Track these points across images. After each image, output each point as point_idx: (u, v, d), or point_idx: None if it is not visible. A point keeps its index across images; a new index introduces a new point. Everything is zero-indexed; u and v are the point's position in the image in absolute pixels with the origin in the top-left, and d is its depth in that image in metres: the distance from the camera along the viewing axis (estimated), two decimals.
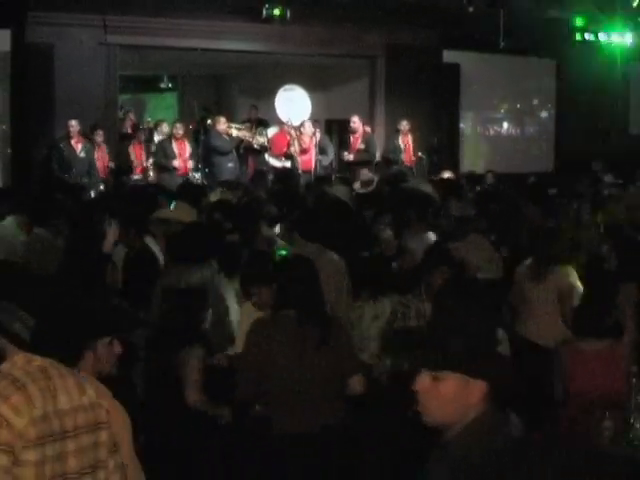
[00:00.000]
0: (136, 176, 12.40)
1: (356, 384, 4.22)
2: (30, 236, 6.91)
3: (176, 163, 12.44)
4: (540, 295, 5.83)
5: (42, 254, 6.33)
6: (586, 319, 4.55)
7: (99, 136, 12.16)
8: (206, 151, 12.96)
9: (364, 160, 13.39)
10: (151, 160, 12.66)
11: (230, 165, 12.62)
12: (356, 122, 13.78)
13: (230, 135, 13.01)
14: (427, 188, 9.55)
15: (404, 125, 13.97)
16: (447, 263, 4.99)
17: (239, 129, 13.40)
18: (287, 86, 14.19)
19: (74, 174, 11.58)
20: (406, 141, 14.06)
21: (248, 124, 14.09)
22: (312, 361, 4.09)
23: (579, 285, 5.74)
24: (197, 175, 12.64)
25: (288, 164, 13.27)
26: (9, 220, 7.23)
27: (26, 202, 7.63)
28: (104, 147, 12.30)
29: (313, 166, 13.15)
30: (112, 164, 12.38)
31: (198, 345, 4.55)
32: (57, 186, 9.62)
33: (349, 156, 13.54)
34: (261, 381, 4.16)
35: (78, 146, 11.89)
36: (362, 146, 13.65)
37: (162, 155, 12.58)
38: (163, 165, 12.49)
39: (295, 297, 4.17)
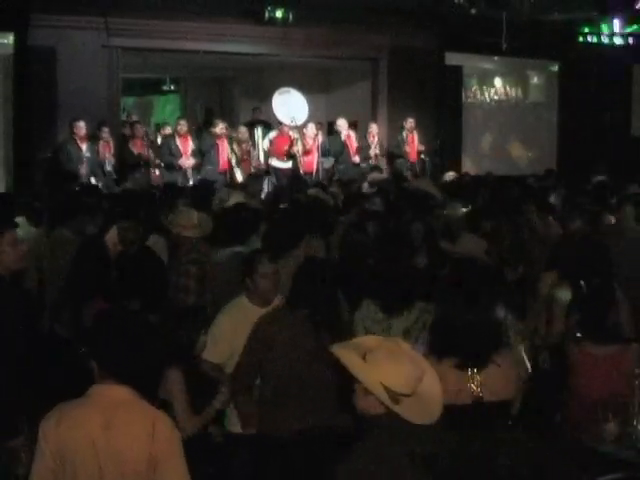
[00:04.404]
0: (137, 174, 12.38)
1: None
2: (52, 236, 6.95)
3: (182, 161, 12.50)
4: (532, 304, 5.73)
5: (64, 253, 6.36)
6: (595, 324, 4.51)
7: (105, 133, 12.13)
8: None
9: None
10: (156, 159, 12.70)
11: (209, 167, 12.64)
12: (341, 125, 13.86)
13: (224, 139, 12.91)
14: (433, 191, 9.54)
15: (410, 122, 13.99)
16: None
17: (236, 140, 13.27)
18: (282, 89, 14.16)
19: (84, 174, 11.63)
20: (411, 138, 14.09)
21: (249, 127, 14.01)
22: (319, 360, 4.08)
23: (560, 292, 5.63)
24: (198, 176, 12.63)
25: (289, 165, 13.29)
26: (20, 220, 7.22)
27: (46, 202, 7.72)
28: (110, 144, 12.25)
29: (315, 168, 13.19)
30: (113, 160, 12.28)
31: (178, 365, 4.34)
32: (81, 188, 9.65)
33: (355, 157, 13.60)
34: (263, 376, 4.18)
35: (83, 147, 11.91)
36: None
37: (168, 153, 12.64)
38: (169, 163, 12.56)
39: (308, 297, 4.19)
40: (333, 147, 13.63)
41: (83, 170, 11.64)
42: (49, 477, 2.96)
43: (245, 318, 4.63)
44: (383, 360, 2.89)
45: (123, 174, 12.10)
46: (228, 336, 4.67)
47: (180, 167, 12.48)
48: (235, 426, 4.70)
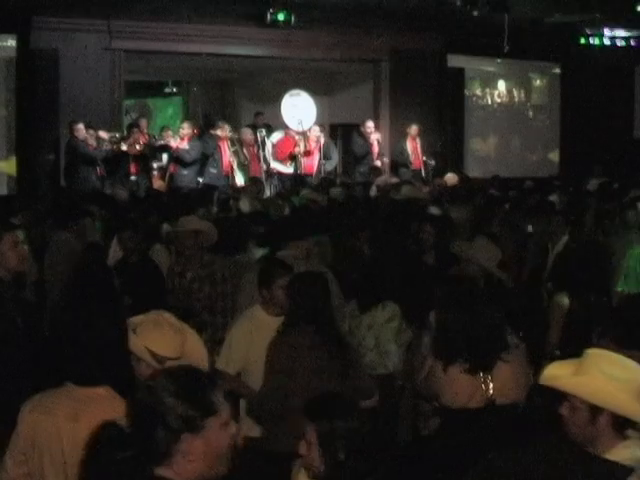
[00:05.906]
0: (133, 177, 12.38)
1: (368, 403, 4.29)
2: (53, 239, 6.97)
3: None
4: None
5: (64, 256, 6.36)
6: (628, 330, 4.48)
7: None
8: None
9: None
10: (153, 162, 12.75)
11: (212, 170, 12.67)
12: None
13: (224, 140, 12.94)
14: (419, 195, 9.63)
15: (413, 129, 14.00)
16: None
17: (239, 142, 13.30)
18: (293, 91, 14.20)
19: (93, 172, 11.71)
20: (414, 145, 14.08)
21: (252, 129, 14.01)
22: (332, 372, 4.10)
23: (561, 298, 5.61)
24: (201, 179, 12.63)
25: (292, 169, 13.28)
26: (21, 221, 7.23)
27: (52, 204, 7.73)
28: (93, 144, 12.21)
29: (315, 169, 13.19)
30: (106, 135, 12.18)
31: None
32: (92, 197, 9.73)
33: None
34: (286, 397, 4.12)
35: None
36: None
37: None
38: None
39: (308, 312, 4.19)
40: (359, 148, 13.71)
41: (90, 168, 11.75)
42: (21, 459, 3.06)
43: (259, 328, 4.60)
44: (148, 330, 3.35)
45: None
46: (243, 347, 4.65)
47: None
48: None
